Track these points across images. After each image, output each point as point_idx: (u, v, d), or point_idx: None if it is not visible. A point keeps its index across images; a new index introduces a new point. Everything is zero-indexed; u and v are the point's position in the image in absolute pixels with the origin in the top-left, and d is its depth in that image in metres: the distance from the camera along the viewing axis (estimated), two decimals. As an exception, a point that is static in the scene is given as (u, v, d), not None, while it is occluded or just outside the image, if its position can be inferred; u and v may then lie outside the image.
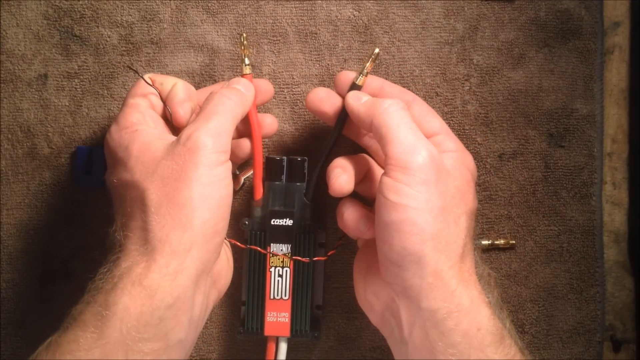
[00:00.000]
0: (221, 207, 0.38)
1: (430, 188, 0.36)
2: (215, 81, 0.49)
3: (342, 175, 0.41)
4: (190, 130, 0.38)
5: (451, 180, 0.38)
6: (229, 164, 0.39)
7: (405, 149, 0.37)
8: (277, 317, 0.45)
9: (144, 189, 0.37)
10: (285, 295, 0.45)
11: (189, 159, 0.37)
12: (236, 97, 0.41)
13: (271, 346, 0.46)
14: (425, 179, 0.36)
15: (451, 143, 0.42)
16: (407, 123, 0.38)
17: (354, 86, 0.43)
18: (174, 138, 0.39)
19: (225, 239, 0.42)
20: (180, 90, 0.42)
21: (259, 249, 0.45)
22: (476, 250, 0.40)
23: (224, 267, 0.42)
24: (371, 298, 0.41)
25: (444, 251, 0.36)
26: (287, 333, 0.45)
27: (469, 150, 0.49)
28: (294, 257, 0.45)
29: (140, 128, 0.40)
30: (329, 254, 0.46)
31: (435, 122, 0.43)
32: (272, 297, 0.45)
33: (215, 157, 0.37)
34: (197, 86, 0.49)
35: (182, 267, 0.36)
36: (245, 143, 0.45)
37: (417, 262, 0.36)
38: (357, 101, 0.41)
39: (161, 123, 0.42)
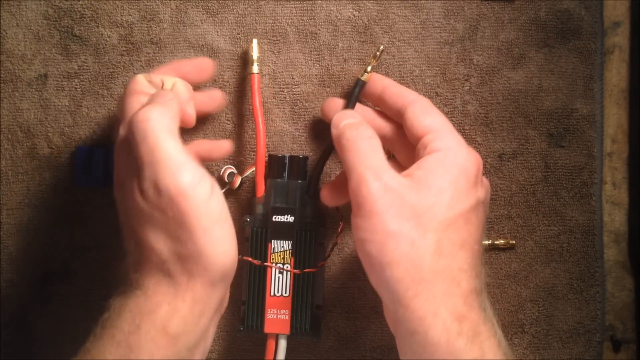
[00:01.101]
0: (227, 241, 0.37)
1: (378, 217, 0.35)
2: (215, 81, 0.49)
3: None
4: (153, 178, 0.35)
5: (409, 199, 0.36)
6: (215, 189, 0.37)
7: (356, 182, 0.36)
8: (277, 314, 0.45)
9: (142, 238, 0.36)
10: (285, 292, 0.45)
11: (177, 212, 0.35)
12: (158, 112, 0.37)
13: (271, 344, 0.46)
14: (371, 210, 0.36)
15: (439, 141, 0.39)
16: (362, 157, 0.37)
17: (359, 82, 0.45)
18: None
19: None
20: (183, 89, 0.42)
21: (265, 263, 0.45)
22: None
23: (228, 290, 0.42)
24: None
25: (403, 281, 0.35)
26: (287, 330, 0.45)
27: (469, 150, 0.49)
28: (294, 270, 0.45)
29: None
30: (319, 264, 0.46)
31: (427, 120, 0.41)
32: (272, 294, 0.45)
33: (197, 195, 0.35)
34: (197, 86, 0.49)
35: (204, 310, 0.36)
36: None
37: (387, 290, 0.36)
38: (335, 127, 0.41)
39: None
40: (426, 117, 0.41)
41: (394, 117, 0.44)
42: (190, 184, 0.35)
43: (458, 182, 0.37)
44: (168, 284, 0.35)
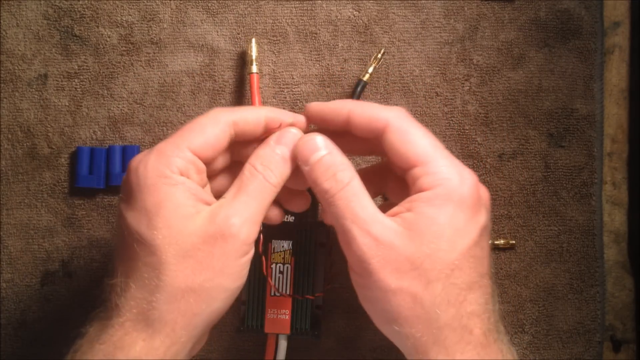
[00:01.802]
0: (233, 297, 0.36)
1: (375, 275, 0.33)
2: (215, 81, 0.49)
3: None
4: (228, 213, 0.34)
5: (404, 251, 0.33)
6: (252, 252, 0.36)
7: (346, 240, 0.34)
8: (278, 314, 0.45)
9: (162, 261, 0.33)
10: (285, 292, 0.45)
11: (218, 245, 0.34)
12: (278, 170, 0.37)
13: (271, 344, 0.46)
14: (367, 268, 0.34)
15: (428, 177, 0.34)
16: (344, 209, 0.34)
17: (361, 82, 0.45)
18: (207, 207, 0.35)
19: None
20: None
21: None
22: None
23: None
24: None
25: (413, 336, 0.34)
26: (287, 330, 0.45)
27: (468, 150, 0.49)
28: (295, 296, 0.45)
29: (181, 181, 0.35)
30: (317, 294, 0.46)
31: (410, 150, 0.35)
32: (272, 294, 0.45)
33: (244, 249, 0.35)
34: (197, 86, 0.49)
35: (179, 352, 0.34)
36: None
37: (399, 344, 0.35)
38: (305, 163, 0.36)
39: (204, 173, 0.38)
40: (407, 146, 0.35)
41: (371, 143, 0.38)
42: (237, 229, 0.34)
43: (455, 220, 0.34)
44: (147, 321, 0.33)
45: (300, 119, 0.39)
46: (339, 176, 0.35)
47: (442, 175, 0.34)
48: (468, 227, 0.34)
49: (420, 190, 0.34)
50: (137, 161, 0.35)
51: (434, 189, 0.34)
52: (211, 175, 0.39)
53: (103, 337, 0.33)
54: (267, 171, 0.36)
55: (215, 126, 0.36)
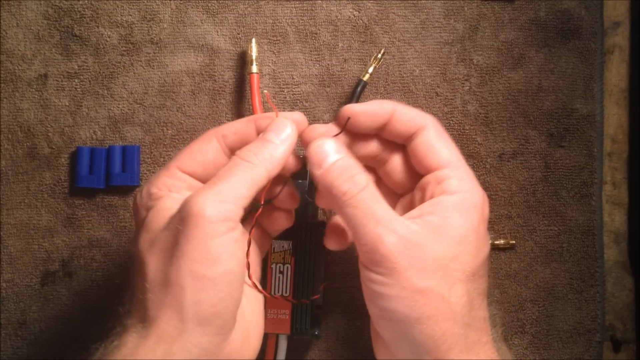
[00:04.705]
0: (220, 287, 0.33)
1: (402, 274, 0.33)
2: (215, 81, 0.49)
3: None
4: (190, 196, 0.34)
5: (431, 252, 0.34)
6: (234, 235, 0.34)
7: (370, 240, 0.34)
8: (278, 314, 0.45)
9: (143, 261, 0.34)
10: (285, 292, 0.45)
11: (182, 230, 0.33)
12: (261, 155, 0.36)
13: (271, 343, 0.46)
14: (394, 267, 0.33)
15: (455, 180, 0.36)
16: (367, 212, 0.34)
17: (361, 82, 0.45)
18: None
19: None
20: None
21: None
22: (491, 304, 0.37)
23: (242, 343, 0.37)
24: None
25: (434, 336, 0.34)
26: (288, 330, 0.45)
27: (468, 150, 0.49)
28: (293, 300, 0.45)
29: (164, 195, 0.36)
30: (314, 297, 0.46)
31: (444, 152, 0.37)
32: (272, 294, 0.45)
33: (212, 228, 0.33)
34: (197, 86, 0.49)
35: (170, 353, 0.32)
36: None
37: (412, 345, 0.34)
38: (317, 167, 0.36)
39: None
40: (442, 148, 0.38)
41: (396, 140, 0.40)
42: (199, 207, 0.33)
43: (479, 229, 0.36)
44: (140, 319, 0.33)
45: (297, 117, 0.39)
46: (357, 179, 0.35)
47: (469, 183, 0.37)
48: (486, 238, 0.36)
49: (446, 191, 0.36)
50: (136, 191, 0.38)
51: (459, 194, 0.36)
52: None
53: (112, 345, 0.34)
54: (244, 151, 0.36)
55: (201, 143, 0.38)
